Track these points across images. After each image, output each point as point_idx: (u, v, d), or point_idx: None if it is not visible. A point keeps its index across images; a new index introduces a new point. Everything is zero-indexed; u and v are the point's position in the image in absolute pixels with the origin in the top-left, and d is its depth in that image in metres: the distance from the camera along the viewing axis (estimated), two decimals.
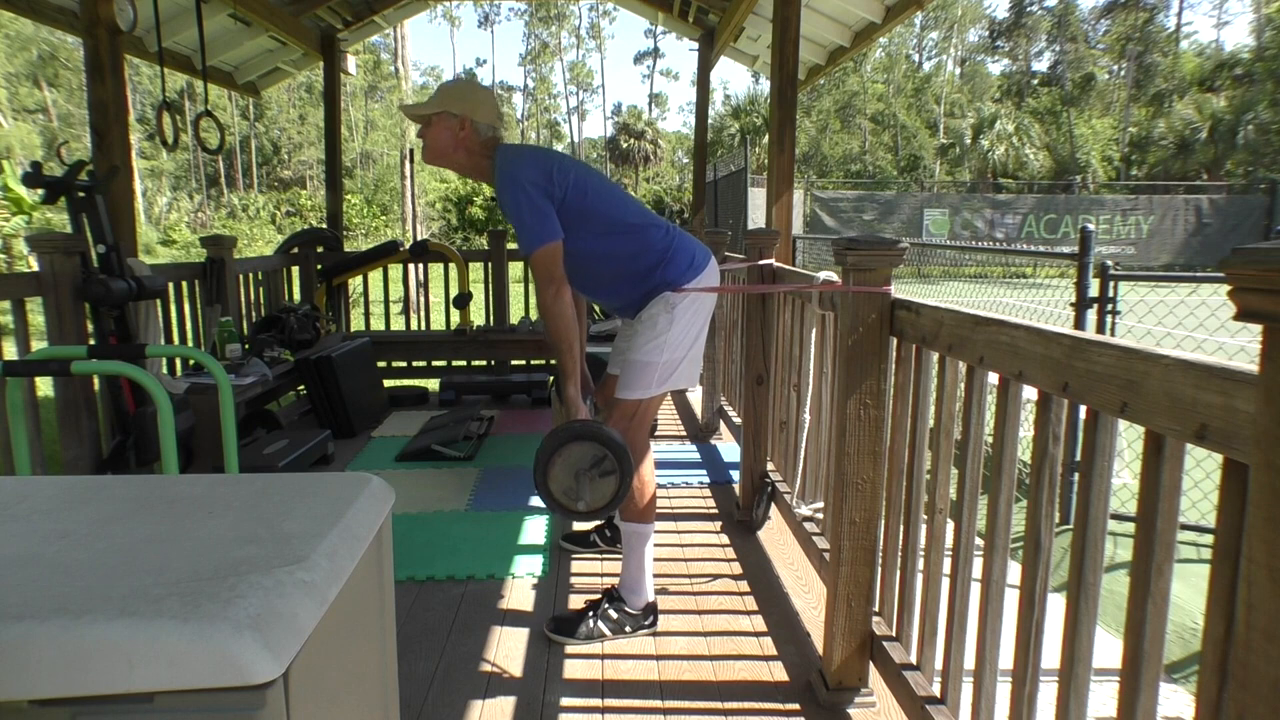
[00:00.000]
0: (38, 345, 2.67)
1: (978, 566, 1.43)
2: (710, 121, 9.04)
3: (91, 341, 2.94)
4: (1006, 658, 1.33)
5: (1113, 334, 3.43)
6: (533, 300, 1.89)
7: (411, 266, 6.25)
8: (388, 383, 5.22)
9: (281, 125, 39.03)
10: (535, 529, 2.96)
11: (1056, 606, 1.19)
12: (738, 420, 3.75)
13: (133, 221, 3.60)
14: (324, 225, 6.56)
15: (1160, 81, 33.42)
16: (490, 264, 5.52)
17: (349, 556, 0.84)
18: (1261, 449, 0.76)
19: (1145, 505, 1.01)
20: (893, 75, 38.57)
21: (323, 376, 4.23)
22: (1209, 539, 3.00)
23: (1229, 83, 30.24)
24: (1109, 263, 3.47)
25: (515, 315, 5.75)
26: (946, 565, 1.56)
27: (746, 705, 1.90)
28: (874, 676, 1.90)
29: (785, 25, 3.73)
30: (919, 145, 34.42)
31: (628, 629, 2.21)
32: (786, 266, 3.03)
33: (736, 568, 2.67)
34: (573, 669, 2.06)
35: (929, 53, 45.14)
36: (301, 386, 4.63)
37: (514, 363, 5.49)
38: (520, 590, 2.50)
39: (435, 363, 5.46)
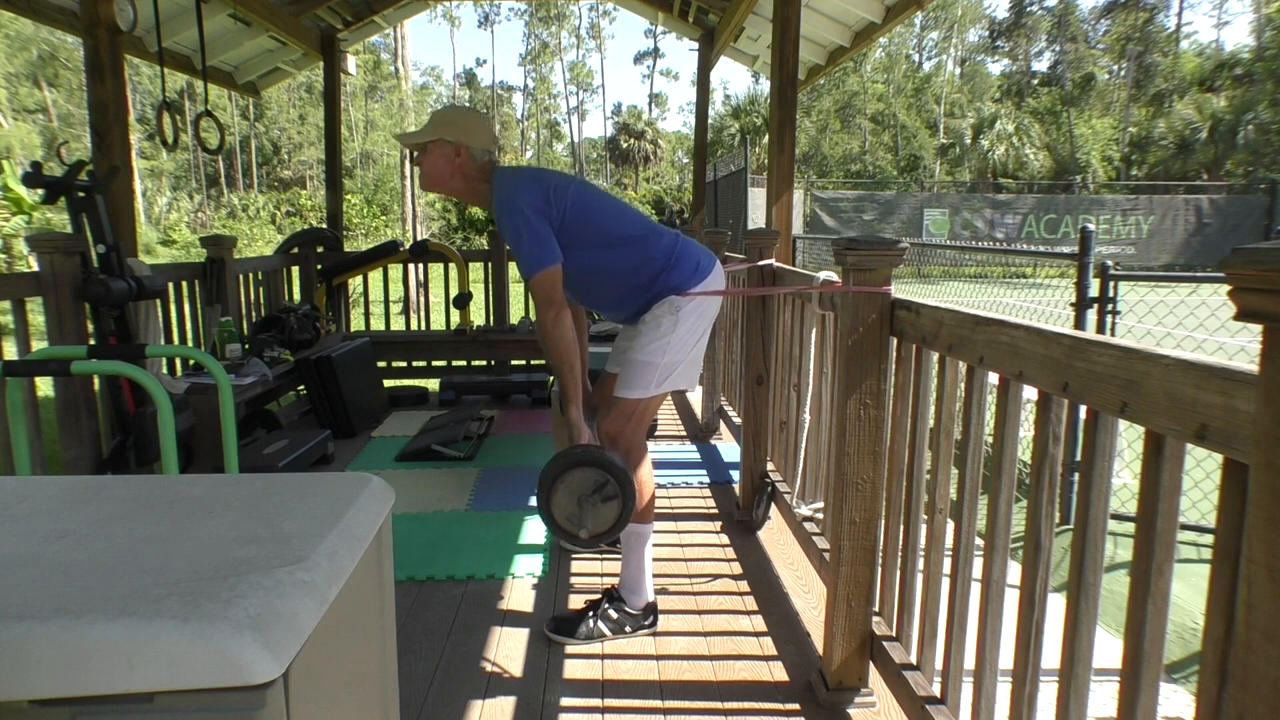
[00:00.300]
0: (38, 345, 2.67)
1: (978, 566, 1.43)
2: (710, 121, 9.04)
3: (91, 341, 2.94)
4: (1006, 658, 1.33)
5: (1113, 334, 3.43)
6: (533, 300, 1.89)
7: (411, 266, 6.25)
8: (388, 383, 5.22)
9: (281, 125, 39.04)
10: (535, 529, 2.96)
11: (1056, 606, 1.19)
12: (738, 420, 3.75)
13: (133, 221, 3.60)
14: (324, 225, 6.56)
15: (1160, 81, 33.43)
16: (490, 264, 5.52)
17: (349, 556, 0.84)
18: (1261, 449, 0.76)
19: (1145, 505, 1.01)
20: (893, 75, 38.57)
21: (323, 376, 4.23)
22: (1209, 539, 3.00)
23: (1229, 83, 30.25)
24: (1109, 263, 3.47)
25: (515, 315, 5.75)
26: (946, 565, 1.56)
27: (746, 705, 1.90)
28: (874, 676, 1.90)
29: (785, 25, 3.73)
30: (919, 145, 34.42)
31: (628, 629, 2.21)
32: (786, 266, 3.03)
33: (736, 568, 2.67)
34: (573, 669, 2.06)
35: (929, 53, 45.17)
36: (301, 386, 4.63)
37: (514, 363, 5.49)
38: (520, 590, 2.50)
39: (435, 363, 5.46)
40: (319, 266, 5.41)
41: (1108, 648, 2.06)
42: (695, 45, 6.62)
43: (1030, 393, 1.30)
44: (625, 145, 41.80)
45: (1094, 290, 3.42)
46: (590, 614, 2.21)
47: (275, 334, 4.31)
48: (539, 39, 51.58)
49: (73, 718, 0.64)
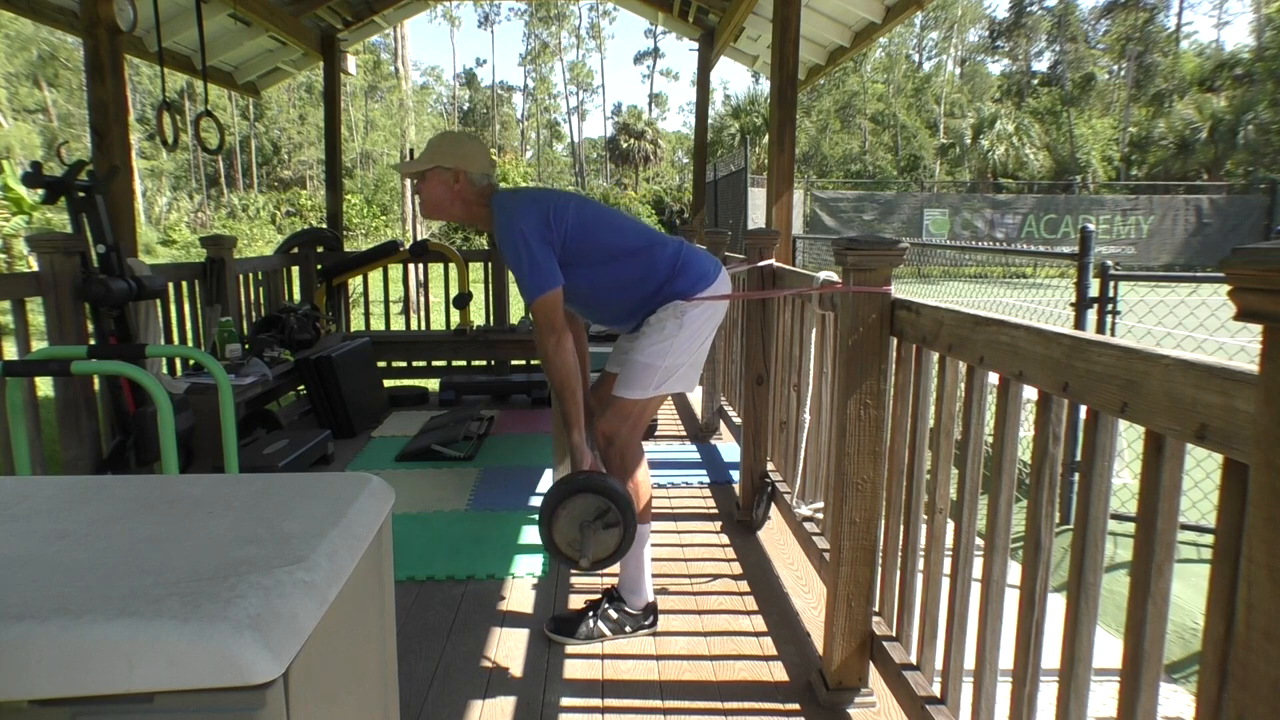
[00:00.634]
0: (38, 345, 2.67)
1: (978, 566, 1.43)
2: (710, 121, 9.04)
3: (91, 341, 2.94)
4: (1006, 658, 1.33)
5: (1113, 334, 3.43)
6: (534, 325, 1.91)
7: (411, 266, 6.26)
8: (388, 383, 5.22)
9: (281, 125, 39.02)
10: (535, 529, 2.96)
11: (1056, 606, 1.19)
12: (738, 420, 3.75)
13: (133, 221, 3.60)
14: (324, 225, 6.56)
15: (1160, 81, 33.42)
16: (490, 264, 5.52)
17: (349, 556, 0.84)
18: (1261, 449, 0.76)
19: (1145, 505, 1.01)
20: (893, 75, 38.56)
21: (323, 376, 4.23)
22: (1209, 539, 3.00)
23: (1229, 83, 30.24)
24: (1109, 263, 3.47)
25: (515, 315, 5.75)
26: (946, 565, 1.56)
27: (746, 705, 1.90)
28: (874, 676, 1.90)
29: (785, 25, 3.73)
30: (919, 145, 34.42)
31: (628, 629, 2.21)
32: (786, 266, 3.03)
33: (736, 568, 2.67)
34: (573, 669, 2.06)
35: (929, 53, 45.16)
36: (301, 386, 4.63)
37: (514, 363, 5.49)
38: (520, 590, 2.50)
39: (435, 363, 5.46)
40: (319, 266, 5.41)
41: (1108, 648, 2.06)
42: (695, 45, 6.62)
43: (1030, 393, 1.30)
44: (625, 145, 41.80)
45: (1094, 290, 3.42)
46: (590, 614, 2.21)
47: (275, 334, 4.31)
48: (539, 39, 51.57)
49: (73, 718, 0.64)
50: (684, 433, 4.37)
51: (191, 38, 4.60)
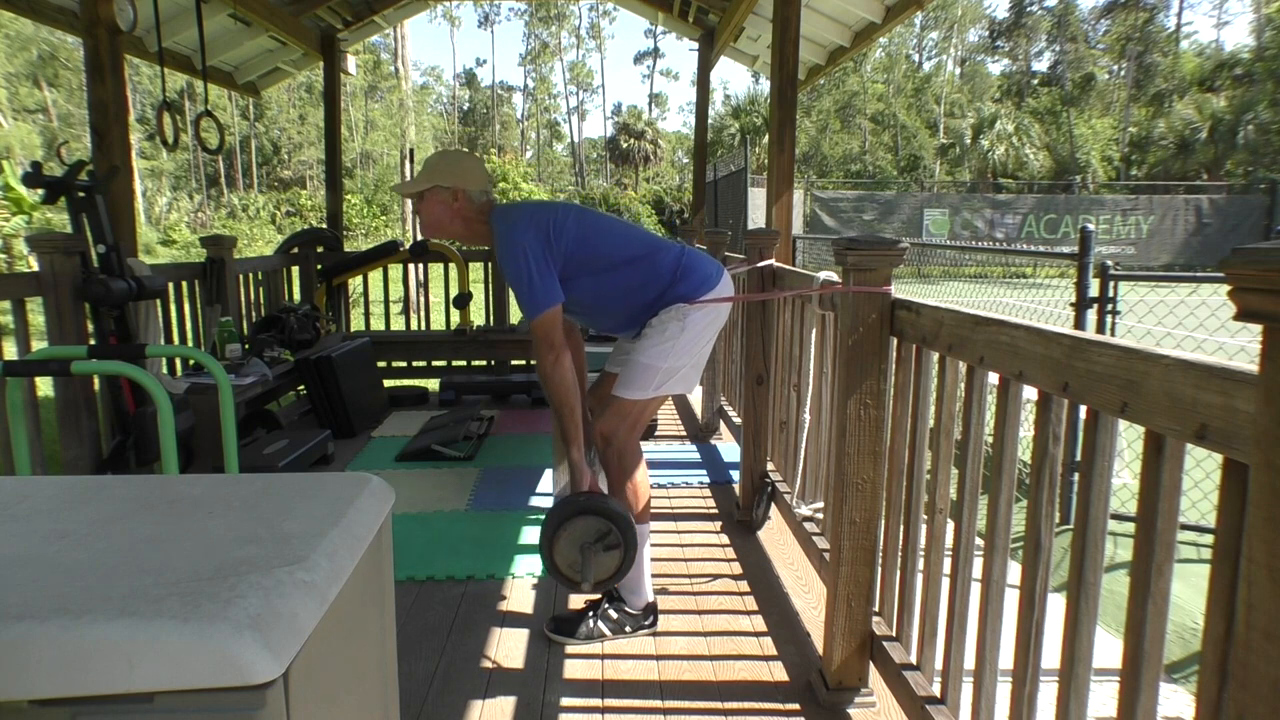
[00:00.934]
0: (38, 345, 2.67)
1: (978, 566, 1.43)
2: (710, 121, 9.04)
3: (91, 341, 2.94)
4: (1006, 658, 1.33)
5: (1113, 334, 3.43)
6: (533, 342, 1.91)
7: (411, 266, 6.26)
8: (388, 383, 5.22)
9: (281, 125, 39.02)
10: (535, 529, 2.96)
11: (1056, 606, 1.19)
12: (738, 420, 3.75)
13: (133, 221, 3.60)
14: (324, 225, 6.56)
15: (1160, 81, 33.42)
16: (490, 264, 5.52)
17: (349, 556, 0.84)
18: (1261, 449, 0.76)
19: (1145, 505, 1.01)
20: (893, 75, 38.56)
21: (323, 376, 4.23)
22: (1209, 539, 3.00)
23: (1229, 83, 30.24)
24: (1109, 263, 3.47)
25: (515, 315, 5.75)
26: (946, 565, 1.56)
27: (746, 705, 1.90)
28: (874, 676, 1.90)
29: (785, 25, 3.73)
30: (919, 145, 34.42)
31: (628, 629, 2.21)
32: (787, 266, 3.03)
33: (736, 568, 2.67)
34: (573, 669, 2.06)
35: (929, 53, 45.15)
36: (301, 386, 4.63)
37: (514, 363, 5.49)
38: (520, 590, 2.50)
39: (435, 363, 5.46)
40: (319, 266, 5.41)
41: (1108, 648, 2.06)
42: (695, 45, 6.62)
43: (1030, 393, 1.30)
44: (625, 145, 41.80)
45: (1094, 290, 3.42)
46: (590, 614, 2.21)
47: (275, 334, 4.31)
48: (539, 39, 51.57)
49: (73, 718, 0.64)
50: (684, 433, 4.37)
51: (191, 38, 4.60)
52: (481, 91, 53.20)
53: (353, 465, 3.82)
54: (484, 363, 5.51)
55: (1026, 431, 1.53)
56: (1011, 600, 1.32)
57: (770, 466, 3.03)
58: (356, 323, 5.81)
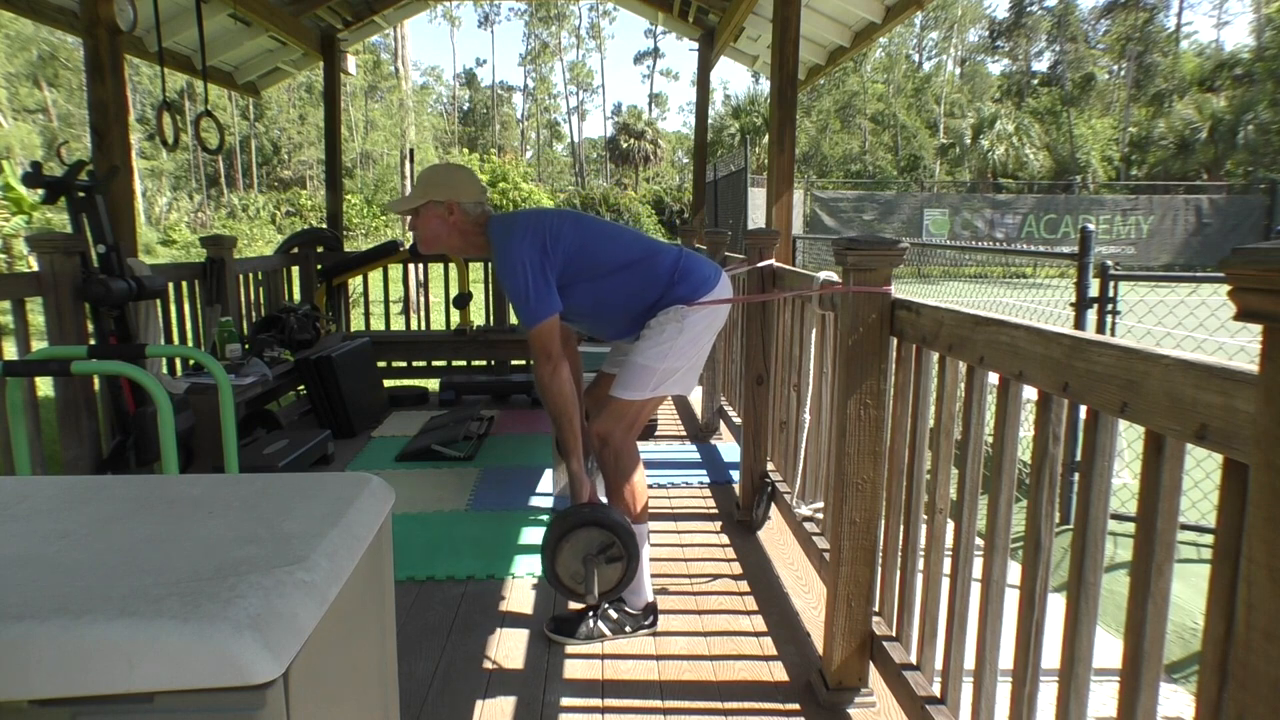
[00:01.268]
0: (38, 345, 2.67)
1: (978, 566, 1.43)
2: (710, 121, 9.04)
3: (91, 341, 2.94)
4: (1006, 658, 1.33)
5: (1113, 334, 3.43)
6: (531, 353, 1.91)
7: (411, 266, 6.26)
8: (388, 383, 5.22)
9: (281, 125, 39.02)
10: (535, 529, 2.96)
11: (1056, 606, 1.19)
12: (738, 420, 3.75)
13: (133, 221, 3.60)
14: (324, 225, 6.56)
15: (1160, 81, 33.42)
16: (490, 264, 5.52)
17: (349, 556, 0.84)
18: (1261, 449, 0.76)
19: (1145, 505, 1.01)
20: (893, 75, 38.56)
21: (323, 376, 4.23)
22: (1209, 539, 3.00)
23: (1229, 83, 30.24)
24: (1109, 263, 3.47)
25: (515, 316, 5.75)
26: (946, 565, 1.56)
27: (746, 705, 1.90)
28: (874, 676, 1.90)
29: (785, 25, 3.73)
30: (919, 145, 34.42)
31: (628, 629, 2.21)
32: (787, 266, 3.03)
33: (736, 568, 2.67)
34: (573, 669, 2.06)
35: (929, 53, 45.15)
36: (301, 386, 4.63)
37: (514, 363, 5.49)
38: (520, 590, 2.50)
39: (435, 363, 5.46)
40: (319, 266, 5.41)
41: (1108, 648, 2.06)
42: (695, 45, 6.62)
43: (1030, 393, 1.30)
44: (625, 145, 41.79)
45: (1094, 290, 3.42)
46: (590, 614, 2.21)
47: (275, 334, 4.31)
48: (539, 39, 51.56)
49: (73, 718, 0.64)
50: (684, 433, 4.37)
51: (191, 38, 4.60)
52: (481, 91, 53.20)
53: (353, 465, 3.82)
54: (484, 363, 5.51)
55: (1026, 431, 1.53)
56: (1011, 600, 1.32)
57: (770, 466, 3.03)
58: (356, 323, 5.81)
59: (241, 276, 4.52)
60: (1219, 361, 0.87)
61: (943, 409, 1.59)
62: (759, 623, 2.30)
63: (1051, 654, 1.21)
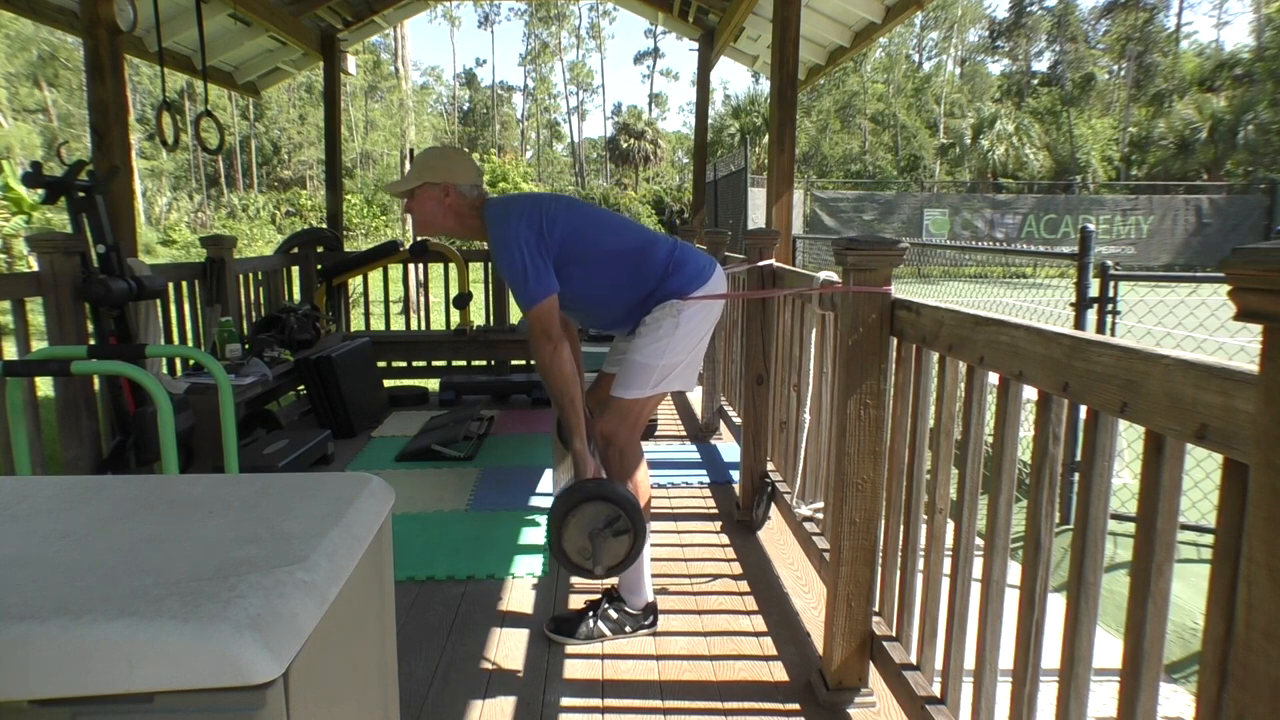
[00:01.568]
0: (38, 345, 2.67)
1: (978, 566, 1.43)
2: (710, 121, 9.04)
3: (91, 341, 2.94)
4: (1006, 658, 1.33)
5: (1113, 334, 3.43)
6: (530, 335, 1.90)
7: (411, 266, 6.26)
8: (388, 383, 5.22)
9: (281, 125, 39.02)
10: (535, 529, 2.96)
11: (1056, 606, 1.19)
12: (738, 420, 3.75)
13: (133, 221, 3.60)
14: (324, 225, 6.56)
15: (1160, 81, 33.42)
16: (490, 264, 5.52)
17: (349, 556, 0.84)
18: (1261, 449, 0.76)
19: (1145, 505, 1.01)
20: (893, 75, 38.55)
21: (323, 376, 4.22)
22: (1209, 539, 3.00)
23: (1229, 83, 30.24)
24: (1109, 263, 3.47)
25: (515, 315, 5.75)
26: (946, 565, 1.56)
27: (746, 705, 1.90)
28: (874, 676, 1.90)
29: (785, 25, 3.73)
30: (919, 145, 34.42)
31: (628, 629, 2.21)
32: (786, 266, 3.03)
33: (736, 568, 2.67)
34: (573, 669, 2.06)
35: (929, 53, 45.15)
36: (301, 386, 4.63)
37: (514, 363, 5.49)
38: (520, 590, 2.50)
39: (435, 363, 5.46)
40: (319, 266, 5.41)
41: (1108, 648, 2.06)
42: (695, 45, 6.62)
43: (1030, 393, 1.30)
44: (625, 145, 41.78)
45: (1094, 290, 3.42)
46: (590, 614, 2.21)
47: (275, 334, 4.31)
48: (539, 39, 51.56)
49: (73, 718, 0.64)
50: (684, 433, 4.37)
51: (191, 38, 4.60)
52: (481, 91, 53.19)
53: (353, 465, 3.82)
54: (484, 363, 5.51)
55: (1026, 431, 1.53)
56: (1011, 600, 1.32)
57: (770, 466, 3.03)
58: (356, 323, 5.81)
59: (241, 276, 4.52)
60: (1219, 361, 0.87)
61: (943, 409, 1.59)
62: (759, 623, 2.30)
63: (1051, 654, 1.21)
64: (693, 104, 7.85)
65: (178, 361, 3.80)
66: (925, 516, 1.68)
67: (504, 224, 2.02)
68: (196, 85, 5.38)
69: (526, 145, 52.09)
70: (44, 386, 4.05)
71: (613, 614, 2.21)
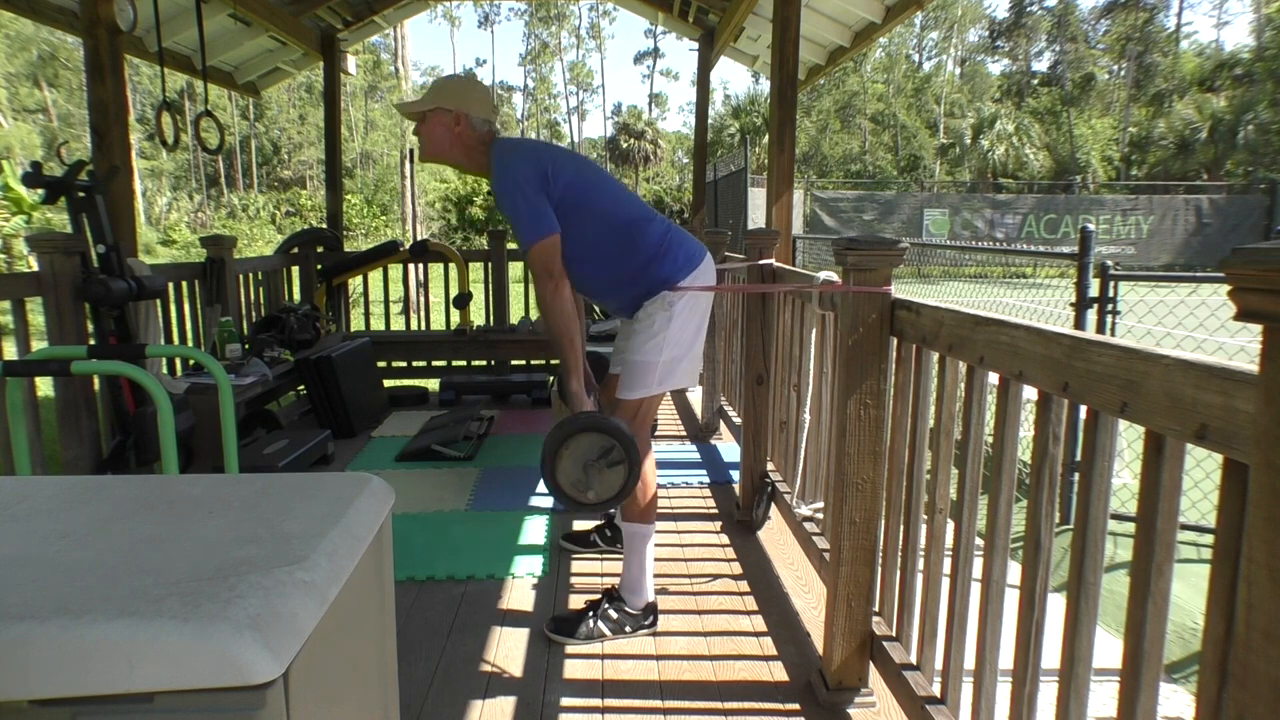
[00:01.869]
0: (38, 345, 2.67)
1: (978, 566, 1.43)
2: (710, 121, 9.04)
3: (91, 341, 2.94)
4: (1006, 658, 1.33)
5: (1113, 334, 3.43)
6: (532, 300, 1.89)
7: (411, 266, 6.25)
8: (388, 383, 5.22)
9: (281, 125, 39.03)
10: (535, 529, 2.96)
11: (1056, 606, 1.19)
12: (738, 420, 3.75)
13: (133, 221, 3.60)
14: (324, 225, 6.56)
15: (1160, 81, 33.42)
16: (490, 264, 5.52)
17: (349, 556, 0.84)
18: (1261, 449, 0.76)
19: (1145, 505, 1.01)
20: (893, 75, 38.57)
21: (323, 376, 4.22)
22: (1209, 539, 3.00)
23: (1229, 83, 30.24)
24: (1109, 263, 3.47)
25: (515, 315, 5.75)
26: (946, 565, 1.56)
27: (746, 705, 1.90)
28: (874, 676, 1.90)
29: (785, 25, 3.73)
30: (919, 145, 34.42)
31: (628, 629, 2.21)
32: (786, 266, 3.03)
33: (736, 568, 2.67)
34: (573, 669, 2.06)
35: (929, 53, 45.16)
36: (301, 386, 4.63)
37: (514, 363, 5.49)
38: (520, 590, 2.50)
39: (435, 363, 5.46)
40: (319, 266, 5.41)
41: (1108, 648, 2.06)
42: (695, 45, 6.62)
43: (1030, 393, 1.30)
44: (625, 145, 41.76)
45: (1094, 290, 3.42)
46: (590, 614, 2.21)
47: (275, 334, 4.31)
48: (539, 39, 51.57)
49: (73, 718, 0.64)
50: (684, 433, 4.37)
51: (191, 38, 4.60)
52: None
53: (353, 465, 3.82)
54: (484, 363, 5.51)
55: (1026, 431, 1.53)
56: (1011, 600, 1.32)
57: (770, 466, 3.03)
58: (356, 323, 5.81)
59: (241, 276, 4.52)
60: (1219, 361, 0.87)
61: (943, 409, 1.59)
62: (759, 623, 2.30)
63: (1051, 654, 1.21)
64: (693, 104, 7.85)
65: (178, 361, 3.80)
66: (925, 516, 1.68)
67: (509, 161, 2.02)
68: (196, 85, 5.38)
69: None
70: (44, 386, 4.05)
71: (613, 614, 2.21)
